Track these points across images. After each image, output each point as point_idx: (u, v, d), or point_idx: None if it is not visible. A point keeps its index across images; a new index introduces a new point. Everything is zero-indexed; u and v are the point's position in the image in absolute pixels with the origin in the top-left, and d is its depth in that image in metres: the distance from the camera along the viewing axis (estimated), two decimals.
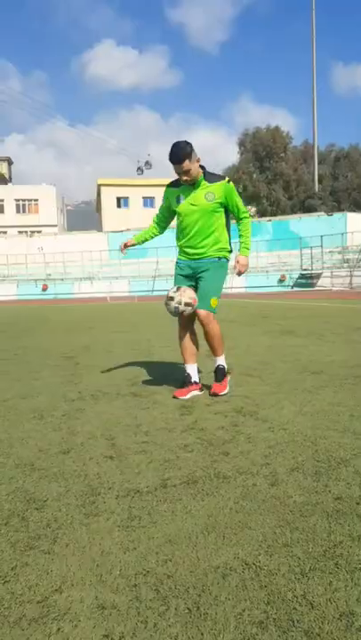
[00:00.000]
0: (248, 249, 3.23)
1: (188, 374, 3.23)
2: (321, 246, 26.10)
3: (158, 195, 44.77)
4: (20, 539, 1.46)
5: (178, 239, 3.24)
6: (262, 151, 38.53)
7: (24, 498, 1.73)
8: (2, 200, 47.67)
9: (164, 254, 29.32)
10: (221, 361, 3.28)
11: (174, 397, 3.08)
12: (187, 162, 2.92)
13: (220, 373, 3.23)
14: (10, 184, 53.82)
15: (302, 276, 26.83)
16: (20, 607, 1.15)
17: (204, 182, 3.05)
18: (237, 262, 3.22)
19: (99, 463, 2.04)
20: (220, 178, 3.10)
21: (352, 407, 2.71)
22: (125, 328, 8.25)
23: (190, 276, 3.21)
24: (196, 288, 3.17)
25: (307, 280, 26.53)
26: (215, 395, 3.09)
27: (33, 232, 39.29)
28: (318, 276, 26.10)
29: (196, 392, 3.18)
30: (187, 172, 2.96)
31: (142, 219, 41.59)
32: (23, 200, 48.19)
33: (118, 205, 45.39)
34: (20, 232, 41.86)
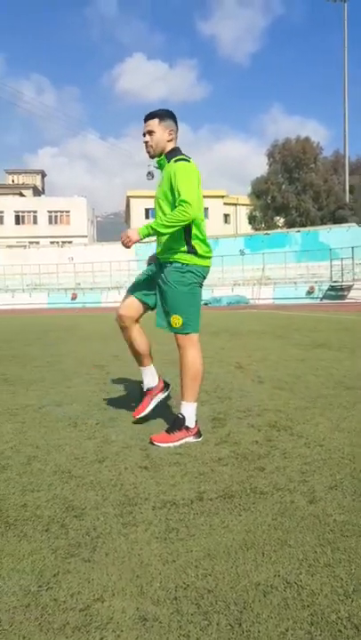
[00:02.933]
0: (149, 231, 2.38)
1: (142, 386, 2.79)
2: (352, 258, 25.67)
3: None
4: (60, 546, 1.48)
5: None
6: (291, 162, 38.35)
7: (63, 505, 1.76)
8: (35, 211, 49.00)
9: None
10: (188, 409, 2.50)
11: (134, 418, 2.73)
12: (154, 121, 2.49)
13: (177, 425, 2.47)
14: (43, 196, 55.28)
15: (332, 288, 26.41)
16: (64, 614, 1.17)
17: (165, 164, 2.53)
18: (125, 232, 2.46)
19: (134, 473, 2.05)
20: (175, 155, 2.49)
21: None
22: (154, 338, 8.29)
23: (150, 281, 2.62)
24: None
25: (337, 292, 26.10)
26: (151, 443, 2.41)
27: (64, 242, 40.13)
28: (349, 288, 25.64)
29: (158, 396, 2.74)
30: (149, 133, 2.51)
31: None
32: (55, 211, 49.40)
33: (147, 216, 45.92)
34: (51, 242, 42.85)
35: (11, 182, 61.36)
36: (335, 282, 26.48)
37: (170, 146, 2.55)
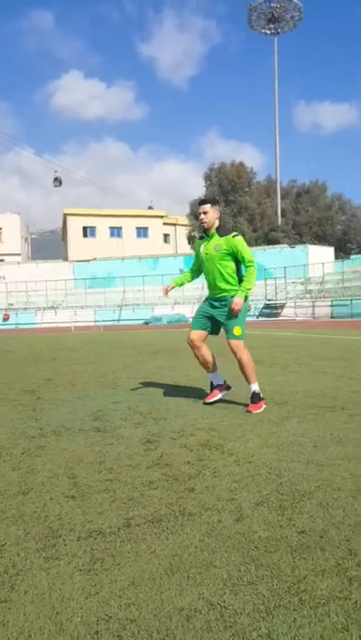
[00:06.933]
0: (244, 292, 3.67)
1: (211, 382, 3.92)
2: (285, 277, 26.86)
3: (125, 225, 45.07)
4: None
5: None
6: (227, 185, 39.70)
7: None
8: None
9: (130, 284, 29.35)
10: (255, 387, 3.66)
11: (204, 404, 3.77)
12: (208, 206, 3.67)
13: (255, 398, 3.62)
14: None
15: (267, 306, 27.39)
16: None
17: (215, 236, 3.68)
18: (232, 302, 3.66)
19: (60, 503, 1.97)
20: (229, 232, 3.69)
21: (315, 438, 2.76)
22: (90, 359, 8.14)
23: (209, 317, 3.81)
24: (214, 327, 3.85)
25: (271, 310, 27.09)
26: (249, 412, 3.53)
27: None
28: (282, 306, 26.72)
29: (224, 392, 3.88)
30: (205, 214, 3.65)
31: (109, 248, 41.74)
32: None
33: (85, 235, 45.38)
34: None
35: None
36: (270, 300, 27.50)
37: (217, 222, 3.71)
